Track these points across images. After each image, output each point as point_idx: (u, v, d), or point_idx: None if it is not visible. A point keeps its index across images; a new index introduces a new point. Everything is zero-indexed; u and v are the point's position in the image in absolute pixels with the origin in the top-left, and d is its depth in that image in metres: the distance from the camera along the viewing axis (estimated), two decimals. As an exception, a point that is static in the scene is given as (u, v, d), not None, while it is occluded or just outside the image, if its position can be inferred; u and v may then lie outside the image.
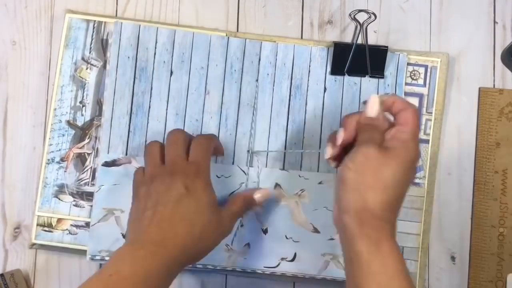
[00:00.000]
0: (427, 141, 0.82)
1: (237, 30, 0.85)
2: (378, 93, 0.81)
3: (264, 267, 0.79)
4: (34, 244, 0.80)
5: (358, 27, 0.79)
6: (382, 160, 0.62)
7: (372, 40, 0.83)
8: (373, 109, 0.65)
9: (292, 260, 0.79)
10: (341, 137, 0.66)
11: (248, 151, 0.81)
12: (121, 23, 0.81)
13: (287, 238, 0.79)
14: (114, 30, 0.81)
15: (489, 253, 0.82)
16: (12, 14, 0.85)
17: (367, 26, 0.78)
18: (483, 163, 0.83)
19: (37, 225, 0.80)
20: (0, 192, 0.83)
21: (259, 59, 0.82)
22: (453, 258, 0.83)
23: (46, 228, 0.80)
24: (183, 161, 0.71)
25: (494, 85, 0.85)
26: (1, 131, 0.84)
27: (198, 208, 0.68)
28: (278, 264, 0.79)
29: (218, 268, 0.79)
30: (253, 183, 0.80)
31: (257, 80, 0.82)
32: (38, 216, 0.80)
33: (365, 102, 0.66)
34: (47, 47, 0.85)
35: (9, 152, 0.83)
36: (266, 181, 0.80)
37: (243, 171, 0.80)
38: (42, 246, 0.81)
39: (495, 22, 0.86)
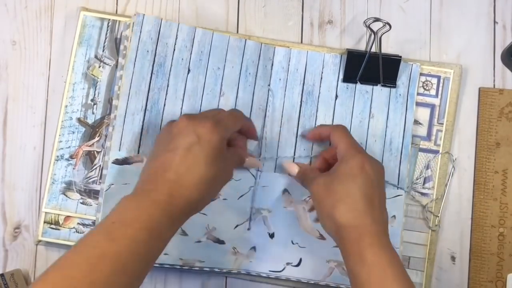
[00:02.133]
0: (437, 152, 0.84)
1: (237, 30, 0.87)
2: (389, 103, 0.84)
3: (270, 271, 0.81)
4: (40, 241, 0.82)
5: (373, 36, 0.81)
6: (329, 180, 0.71)
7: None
8: (292, 170, 0.80)
9: (298, 265, 0.81)
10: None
11: (258, 155, 0.83)
12: (143, 15, 0.81)
13: (293, 243, 0.81)
14: (136, 22, 0.81)
15: (489, 253, 0.84)
16: (12, 14, 0.87)
17: (381, 35, 0.80)
18: (483, 163, 0.85)
19: (44, 222, 0.82)
20: (0, 192, 0.84)
21: (272, 64, 0.84)
22: (453, 258, 0.84)
23: (53, 226, 0.82)
24: (204, 116, 0.73)
25: (494, 85, 0.87)
26: (1, 131, 0.85)
27: (205, 161, 0.68)
28: (283, 269, 0.81)
29: (224, 271, 0.81)
30: (263, 187, 0.82)
31: (269, 85, 0.84)
32: (46, 213, 0.82)
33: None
34: (47, 47, 0.86)
35: (9, 152, 0.85)
36: (274, 186, 0.82)
37: (253, 175, 0.82)
38: (49, 244, 0.82)
39: (495, 22, 0.88)
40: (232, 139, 0.77)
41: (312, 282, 0.81)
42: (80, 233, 0.82)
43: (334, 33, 0.87)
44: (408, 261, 0.82)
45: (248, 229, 0.82)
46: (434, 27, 0.88)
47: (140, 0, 0.87)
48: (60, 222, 0.82)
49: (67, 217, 0.82)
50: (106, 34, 0.85)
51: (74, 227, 0.82)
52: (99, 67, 0.84)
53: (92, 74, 0.84)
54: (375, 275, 0.64)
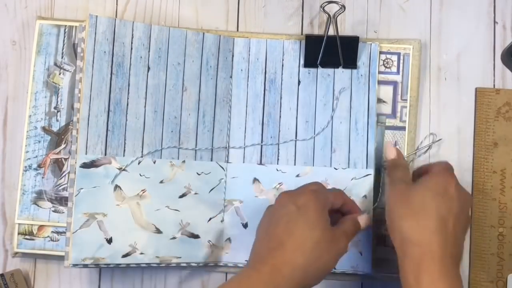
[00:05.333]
0: (403, 128, 0.87)
1: (237, 30, 0.90)
2: (351, 84, 0.87)
3: (246, 260, 0.83)
4: (17, 253, 0.85)
5: (329, 18, 0.83)
6: (408, 191, 0.70)
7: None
8: (390, 151, 0.80)
9: None
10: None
11: (225, 147, 0.85)
12: (96, 16, 0.82)
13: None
14: (89, 24, 0.82)
15: (489, 253, 0.86)
16: (12, 14, 0.90)
17: (337, 16, 0.83)
18: (481, 163, 0.88)
19: (18, 233, 0.85)
20: (0, 192, 0.87)
21: (233, 55, 0.87)
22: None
23: (27, 236, 0.84)
24: (303, 188, 0.75)
25: (494, 85, 0.90)
26: (1, 131, 0.88)
27: (307, 225, 0.69)
28: None
29: (201, 265, 0.84)
30: (232, 178, 0.85)
31: (231, 76, 0.87)
32: (19, 224, 0.84)
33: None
34: (47, 47, 0.89)
35: (9, 152, 0.88)
36: (244, 176, 0.85)
37: (222, 167, 0.85)
38: (25, 255, 0.85)
39: (495, 22, 0.91)
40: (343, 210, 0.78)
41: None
42: (55, 241, 0.84)
43: (334, 33, 0.89)
44: (384, 239, 0.85)
45: (222, 221, 0.85)
46: (434, 27, 0.90)
47: (140, 0, 0.90)
48: (34, 232, 0.84)
49: (41, 227, 0.85)
50: (64, 40, 0.87)
51: (48, 236, 0.85)
52: (60, 74, 0.87)
53: (53, 82, 0.87)
54: None
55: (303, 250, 0.67)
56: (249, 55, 0.87)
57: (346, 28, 0.90)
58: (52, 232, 0.85)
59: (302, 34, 0.90)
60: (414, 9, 0.91)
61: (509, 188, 0.87)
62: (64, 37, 0.87)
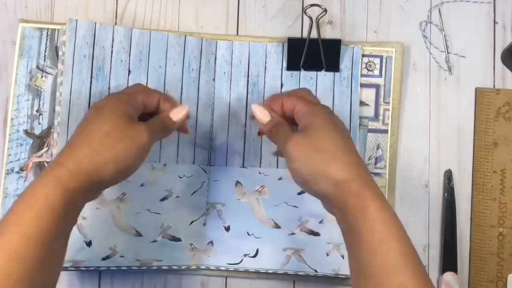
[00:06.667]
0: (386, 131, 0.88)
1: (237, 31, 0.91)
2: (334, 87, 0.87)
3: (228, 263, 0.85)
4: None
5: (311, 21, 0.84)
6: (310, 138, 0.67)
7: (372, 40, 0.90)
8: (263, 115, 0.73)
9: (255, 256, 0.85)
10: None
11: (208, 150, 0.86)
12: (76, 20, 0.84)
13: (249, 234, 0.85)
14: (69, 28, 0.84)
15: (489, 253, 0.87)
16: (12, 14, 0.90)
17: (319, 19, 0.83)
18: (481, 163, 0.88)
19: None
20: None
21: (215, 58, 0.88)
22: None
23: None
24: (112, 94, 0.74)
25: (494, 85, 0.91)
26: (1, 131, 0.88)
27: (98, 121, 0.67)
28: (241, 261, 0.85)
29: (183, 267, 0.84)
30: (215, 182, 0.86)
31: (213, 79, 0.88)
32: None
33: (252, 117, 0.75)
34: (47, 47, 0.90)
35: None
36: (226, 179, 0.86)
37: (204, 170, 0.86)
38: None
39: (495, 22, 0.92)
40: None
41: (271, 271, 0.84)
42: None
43: (334, 33, 0.91)
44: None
45: (204, 224, 0.85)
46: (434, 27, 0.91)
47: (140, 1, 0.91)
48: None
49: None
50: (46, 43, 0.88)
51: None
52: (42, 77, 0.87)
53: (35, 85, 0.87)
54: (379, 231, 0.62)
55: (89, 143, 0.65)
56: (232, 58, 0.88)
57: (346, 28, 0.91)
58: (34, 235, 0.85)
59: (301, 36, 0.90)
60: (414, 9, 0.92)
61: (509, 188, 0.88)
62: (47, 40, 0.88)
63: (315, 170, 0.65)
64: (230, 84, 0.88)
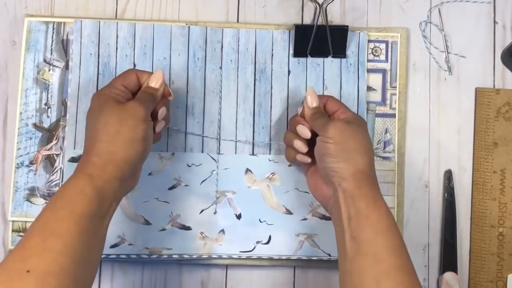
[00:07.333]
0: (393, 115, 0.89)
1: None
2: (341, 73, 0.88)
3: (240, 251, 0.85)
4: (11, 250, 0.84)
5: (318, 8, 0.85)
6: (351, 129, 0.74)
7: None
8: (314, 99, 0.79)
9: (267, 242, 0.85)
10: (305, 132, 0.79)
11: (217, 138, 0.87)
12: (81, 21, 0.87)
13: (260, 221, 0.86)
14: (75, 28, 0.88)
15: (489, 253, 0.88)
16: (12, 14, 0.91)
17: (326, 6, 0.84)
18: (481, 163, 0.89)
19: (12, 231, 0.85)
20: (0, 191, 0.88)
21: (222, 46, 0.88)
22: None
23: (21, 234, 0.85)
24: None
25: (494, 85, 0.91)
26: (1, 131, 0.89)
27: (95, 118, 0.72)
28: (254, 248, 0.85)
29: (194, 256, 0.85)
30: (224, 170, 0.86)
31: (220, 67, 0.88)
32: (13, 221, 0.85)
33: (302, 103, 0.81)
34: (47, 47, 0.90)
35: (9, 152, 0.88)
36: (236, 167, 0.87)
37: (213, 159, 0.87)
38: None
39: (495, 22, 0.92)
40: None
41: (284, 257, 0.85)
42: None
43: None
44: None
45: (215, 212, 0.86)
46: (434, 27, 0.92)
47: (140, 1, 0.91)
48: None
49: None
50: (53, 37, 0.88)
51: None
52: (49, 70, 0.88)
53: (43, 78, 0.88)
54: (385, 220, 0.69)
55: (100, 139, 0.70)
56: (238, 45, 0.89)
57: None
58: (45, 228, 0.86)
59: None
60: (414, 9, 0.92)
61: (509, 188, 0.88)
62: (53, 33, 0.88)
63: (345, 151, 0.72)
64: (237, 71, 0.88)
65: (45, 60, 0.88)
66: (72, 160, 0.85)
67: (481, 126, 0.89)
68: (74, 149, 0.86)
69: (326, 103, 0.80)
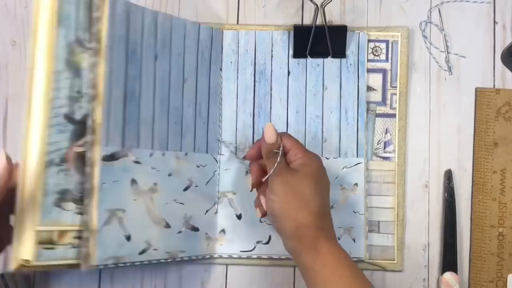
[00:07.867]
0: (394, 115, 0.88)
1: (237, 22, 0.92)
2: (341, 73, 0.88)
3: (241, 251, 0.88)
4: (31, 265, 0.70)
5: (317, 8, 0.84)
6: (295, 181, 0.74)
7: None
8: (271, 135, 0.76)
9: (267, 242, 0.88)
10: (252, 185, 0.82)
11: (218, 139, 0.89)
12: None
13: (261, 221, 0.88)
14: (109, 3, 0.74)
15: (489, 253, 0.87)
16: (12, 14, 0.92)
17: (324, 6, 0.84)
18: (481, 163, 0.88)
19: (39, 243, 0.70)
20: None
21: (222, 47, 0.90)
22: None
23: (48, 245, 0.71)
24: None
25: (494, 85, 0.90)
26: (1, 131, 0.91)
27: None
28: (254, 248, 0.88)
29: (199, 257, 0.87)
30: (225, 170, 0.89)
31: (221, 69, 0.90)
32: (37, 231, 0.70)
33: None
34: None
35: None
36: (237, 168, 0.89)
37: (215, 159, 0.89)
38: (44, 266, 0.72)
39: (495, 22, 0.91)
40: None
41: (284, 257, 0.87)
42: (77, 247, 0.73)
43: None
44: (378, 225, 0.87)
45: (216, 213, 0.88)
46: (434, 27, 0.90)
47: (140, 1, 0.92)
48: (55, 240, 0.71)
49: (62, 232, 0.72)
50: (85, 13, 0.74)
51: (70, 243, 0.72)
52: (82, 52, 0.74)
53: (75, 61, 0.73)
54: (329, 262, 0.69)
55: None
56: (238, 47, 0.89)
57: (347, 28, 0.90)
58: (74, 238, 0.73)
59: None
60: (414, 9, 0.91)
61: (509, 188, 0.87)
62: (84, 8, 0.74)
63: (286, 210, 0.73)
64: (237, 73, 0.89)
65: (77, 40, 0.73)
66: (105, 158, 0.75)
67: (481, 126, 0.88)
68: (107, 145, 0.75)
69: (282, 139, 0.77)
